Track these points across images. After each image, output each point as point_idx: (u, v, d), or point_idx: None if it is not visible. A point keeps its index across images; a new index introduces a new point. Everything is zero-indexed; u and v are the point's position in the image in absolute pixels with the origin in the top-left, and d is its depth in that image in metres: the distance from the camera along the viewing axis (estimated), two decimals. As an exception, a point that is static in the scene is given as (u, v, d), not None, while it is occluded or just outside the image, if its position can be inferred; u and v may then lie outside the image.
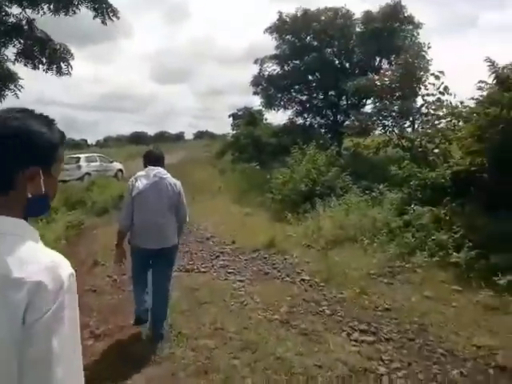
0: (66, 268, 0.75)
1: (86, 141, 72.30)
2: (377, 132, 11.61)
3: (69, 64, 9.93)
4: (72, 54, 9.96)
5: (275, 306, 4.00)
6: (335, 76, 15.62)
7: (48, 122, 0.85)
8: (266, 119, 23.95)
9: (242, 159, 17.46)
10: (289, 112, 18.10)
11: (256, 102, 20.70)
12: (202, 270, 5.46)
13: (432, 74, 9.99)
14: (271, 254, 6.04)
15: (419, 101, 10.99)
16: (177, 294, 4.45)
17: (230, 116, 33.90)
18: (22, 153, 0.77)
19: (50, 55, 9.55)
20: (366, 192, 7.90)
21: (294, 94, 17.69)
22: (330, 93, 16.72)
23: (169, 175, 3.35)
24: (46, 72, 9.74)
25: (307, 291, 4.43)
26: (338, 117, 16.95)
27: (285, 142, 16.48)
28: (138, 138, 66.28)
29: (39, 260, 0.73)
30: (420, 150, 8.30)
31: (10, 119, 0.78)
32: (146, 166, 3.37)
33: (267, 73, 17.70)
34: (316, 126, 17.36)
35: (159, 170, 3.31)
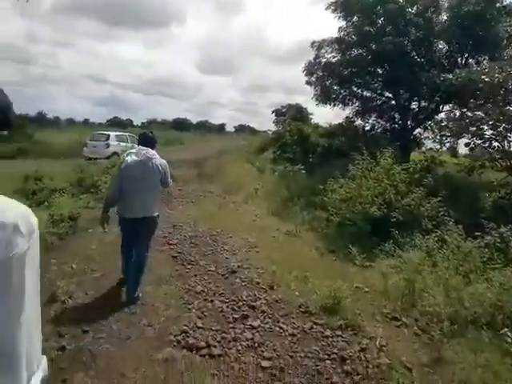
0: (34, 217, 0.90)
1: (131, 121, 72.89)
2: (472, 144, 8.71)
3: None
4: None
5: None
6: (410, 71, 12.67)
7: None
8: (311, 119, 21.31)
9: (285, 159, 15.02)
10: (347, 110, 15.27)
11: (303, 100, 18.08)
12: (214, 350, 3.12)
13: None
14: (335, 330, 3.59)
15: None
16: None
17: (272, 112, 31.63)
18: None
19: None
20: (477, 233, 5.25)
21: (355, 88, 14.81)
22: (400, 91, 13.74)
23: (157, 156, 3.76)
24: None
25: None
26: (408, 122, 13.91)
27: (338, 145, 13.89)
28: (180, 124, 65.97)
29: (13, 208, 0.86)
30: None
31: None
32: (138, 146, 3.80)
33: (325, 60, 14.87)
34: (379, 130, 14.42)
35: (148, 150, 3.71)
